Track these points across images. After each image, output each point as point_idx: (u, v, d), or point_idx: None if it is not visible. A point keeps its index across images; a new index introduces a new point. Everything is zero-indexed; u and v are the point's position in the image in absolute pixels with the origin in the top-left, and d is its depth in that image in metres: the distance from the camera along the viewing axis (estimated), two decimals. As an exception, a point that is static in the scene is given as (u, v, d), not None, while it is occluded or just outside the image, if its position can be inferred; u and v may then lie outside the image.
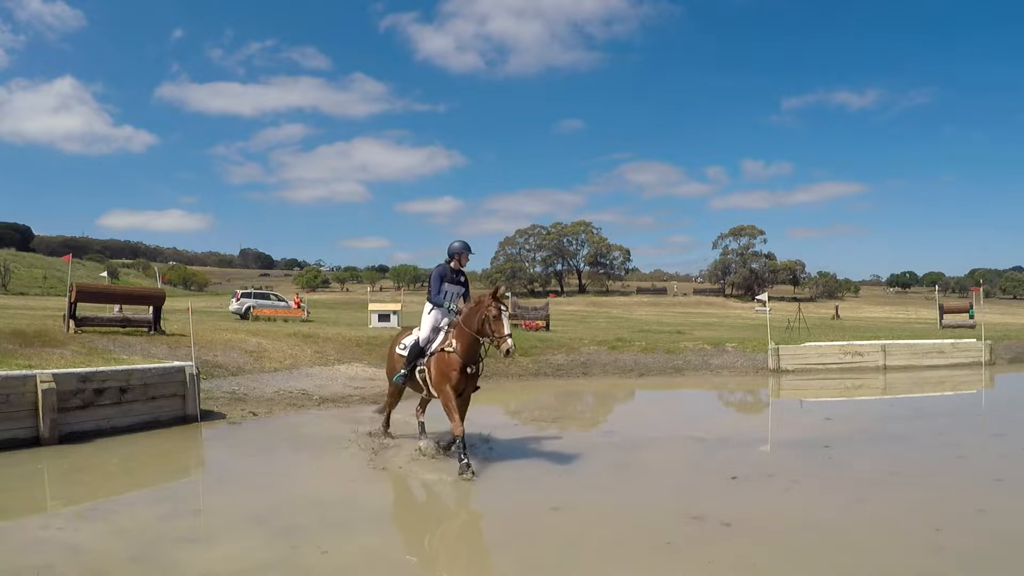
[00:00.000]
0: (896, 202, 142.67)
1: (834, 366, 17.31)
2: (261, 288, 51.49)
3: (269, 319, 27.06)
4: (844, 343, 18.75)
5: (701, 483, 5.78)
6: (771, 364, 16.80)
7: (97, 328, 14.81)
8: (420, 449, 7.28)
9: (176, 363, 10.02)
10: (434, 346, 7.08)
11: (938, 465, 7.33)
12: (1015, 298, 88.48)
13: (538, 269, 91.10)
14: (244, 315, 28.42)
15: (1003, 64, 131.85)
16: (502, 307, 6.65)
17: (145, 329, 15.30)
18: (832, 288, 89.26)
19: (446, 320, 7.13)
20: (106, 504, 5.95)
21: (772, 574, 4.24)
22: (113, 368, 9.14)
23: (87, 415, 8.35)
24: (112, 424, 8.57)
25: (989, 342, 18.86)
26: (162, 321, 15.77)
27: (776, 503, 5.74)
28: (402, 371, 7.35)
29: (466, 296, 7.40)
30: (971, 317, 30.33)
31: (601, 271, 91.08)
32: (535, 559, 4.53)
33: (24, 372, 8.03)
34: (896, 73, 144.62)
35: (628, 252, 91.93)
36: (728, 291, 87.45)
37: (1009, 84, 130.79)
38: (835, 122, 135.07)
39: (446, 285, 7.27)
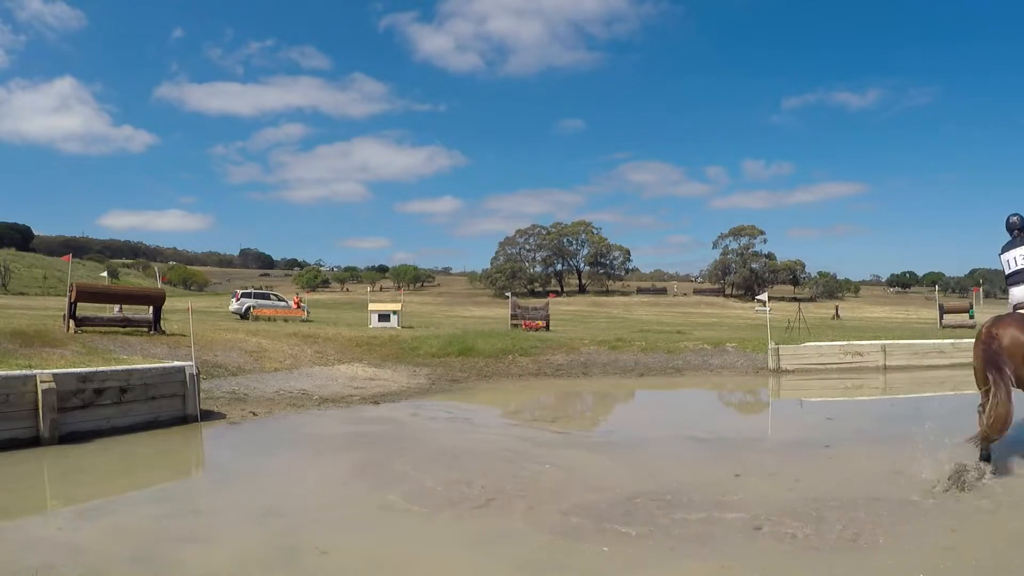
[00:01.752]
0: (896, 202, 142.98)
1: (834, 366, 17.29)
2: (261, 288, 51.53)
3: (269, 319, 27.05)
4: (844, 343, 18.73)
5: (703, 481, 5.77)
6: (771, 364, 16.79)
7: (97, 328, 14.80)
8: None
9: (176, 363, 10.00)
10: None
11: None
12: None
13: (538, 269, 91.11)
14: (244, 315, 28.41)
15: (1003, 63, 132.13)
16: None
17: (145, 329, 15.30)
18: (832, 288, 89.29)
19: None
20: (106, 504, 5.94)
21: (781, 573, 4.23)
22: (113, 368, 9.14)
23: (87, 415, 8.34)
24: (112, 424, 8.56)
25: (989, 342, 18.81)
26: (162, 321, 15.76)
27: (779, 503, 5.73)
28: None
29: None
30: (971, 317, 30.33)
31: (601, 271, 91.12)
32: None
33: (24, 372, 8.02)
34: (896, 73, 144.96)
35: (628, 252, 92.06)
36: (728, 291, 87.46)
37: (1009, 84, 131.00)
38: (835, 122, 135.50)
39: None
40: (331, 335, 18.55)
